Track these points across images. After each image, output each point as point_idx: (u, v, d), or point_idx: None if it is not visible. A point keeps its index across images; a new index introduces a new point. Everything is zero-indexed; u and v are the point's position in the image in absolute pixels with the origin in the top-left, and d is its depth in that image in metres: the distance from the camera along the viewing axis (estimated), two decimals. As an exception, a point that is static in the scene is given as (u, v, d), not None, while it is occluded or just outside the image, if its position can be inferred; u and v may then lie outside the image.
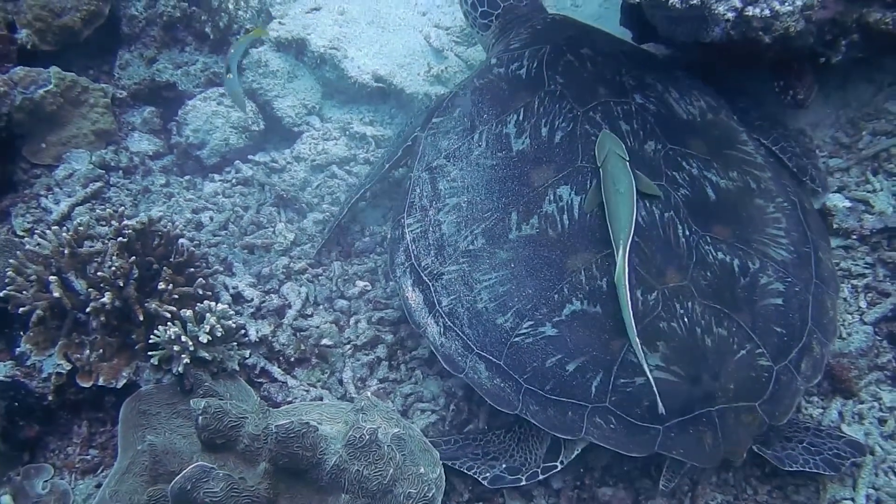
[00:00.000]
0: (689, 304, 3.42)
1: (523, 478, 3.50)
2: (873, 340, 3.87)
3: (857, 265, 4.10)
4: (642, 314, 3.36)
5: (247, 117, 4.78)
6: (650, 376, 3.23)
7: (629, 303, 3.27)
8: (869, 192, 4.24)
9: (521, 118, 3.92)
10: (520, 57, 4.19)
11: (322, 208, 4.69)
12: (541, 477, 3.49)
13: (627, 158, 3.59)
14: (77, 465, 3.82)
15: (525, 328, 3.48)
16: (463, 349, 3.61)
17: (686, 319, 3.39)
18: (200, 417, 3.22)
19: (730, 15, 3.04)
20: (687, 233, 3.57)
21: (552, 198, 3.67)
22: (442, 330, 3.68)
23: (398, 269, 3.93)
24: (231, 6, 5.06)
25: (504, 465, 3.53)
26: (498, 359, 3.51)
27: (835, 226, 4.15)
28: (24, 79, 4.58)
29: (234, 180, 4.82)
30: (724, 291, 3.47)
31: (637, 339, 3.24)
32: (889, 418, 3.71)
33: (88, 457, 3.84)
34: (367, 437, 3.13)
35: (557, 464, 3.49)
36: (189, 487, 2.97)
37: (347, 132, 5.13)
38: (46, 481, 3.73)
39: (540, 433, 3.52)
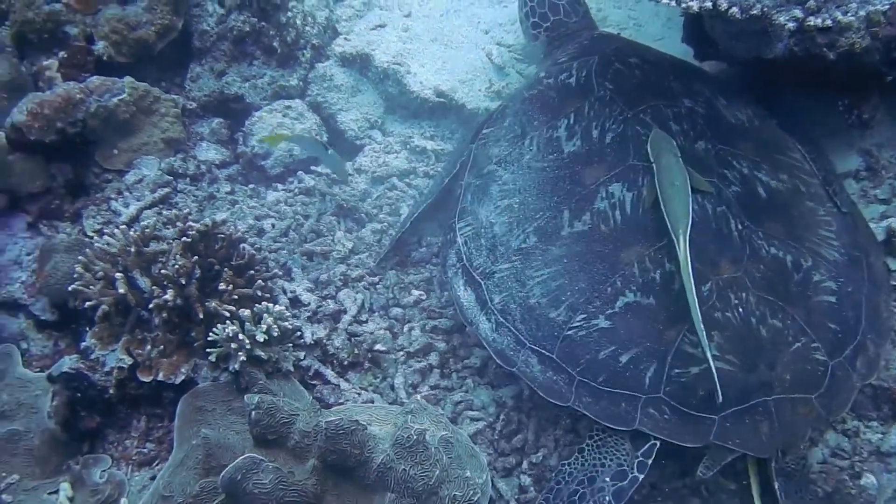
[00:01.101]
0: (744, 294, 3.43)
1: (639, 475, 3.42)
2: (940, 364, 3.78)
3: (921, 287, 4.01)
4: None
5: (342, 173, 4.84)
6: (712, 364, 3.18)
7: (695, 292, 3.25)
8: (934, 214, 4.16)
9: (571, 122, 3.99)
10: (568, 68, 4.26)
11: (380, 219, 4.76)
12: (649, 461, 3.41)
13: (679, 155, 3.61)
14: (134, 458, 3.92)
15: (578, 321, 3.51)
16: (515, 344, 3.65)
17: (741, 309, 3.40)
18: (253, 412, 3.28)
19: (791, 25, 3.03)
20: (739, 227, 3.59)
21: (604, 195, 3.71)
22: (494, 326, 3.72)
23: (450, 269, 4.01)
24: (299, 22, 5.19)
25: (608, 478, 3.46)
26: (551, 352, 3.54)
27: (898, 246, 4.08)
28: (99, 87, 4.76)
29: (296, 190, 4.91)
30: (777, 285, 3.48)
31: (703, 328, 3.20)
32: (952, 444, 3.62)
33: (145, 450, 3.94)
34: (415, 437, 3.16)
35: (653, 441, 3.41)
36: (239, 478, 3.03)
37: (408, 146, 5.20)
38: (104, 471, 3.83)
39: (616, 432, 3.48)
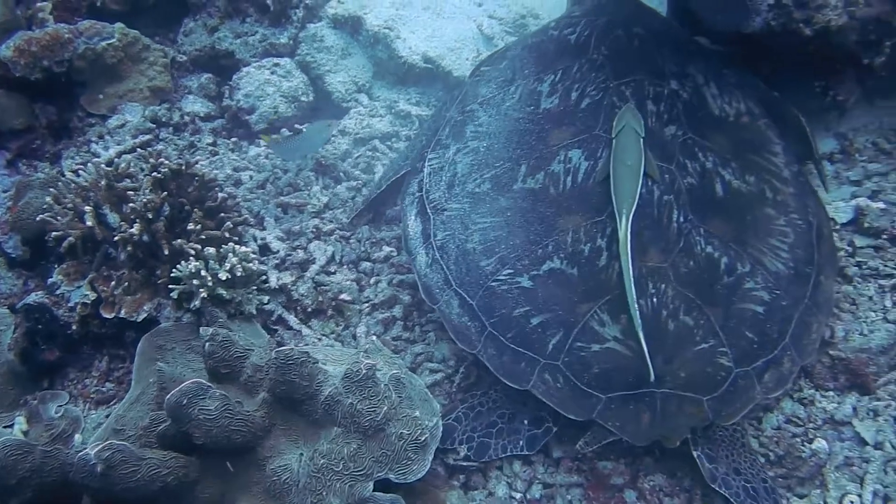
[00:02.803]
0: (662, 286, 3.40)
1: (553, 425, 3.50)
2: (895, 339, 3.76)
3: (886, 266, 4.00)
4: (615, 286, 3.36)
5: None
6: (644, 344, 3.21)
7: (631, 272, 3.27)
8: (906, 196, 4.17)
9: (556, 79, 3.99)
10: (575, 24, 4.25)
11: (356, 176, 4.78)
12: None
13: (643, 135, 3.60)
14: (92, 396, 3.95)
15: (504, 275, 3.53)
16: (443, 283, 3.68)
17: (654, 300, 3.37)
18: (207, 344, 3.27)
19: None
20: (681, 219, 3.54)
21: (562, 158, 3.71)
22: (430, 262, 3.75)
23: (407, 197, 4.03)
24: (293, -20, 5.24)
25: (526, 420, 3.53)
26: (472, 298, 3.57)
27: (865, 225, 4.08)
28: (88, 29, 4.80)
29: (279, 146, 4.93)
30: (702, 283, 3.43)
31: (636, 307, 3.23)
32: (905, 417, 3.61)
33: (104, 389, 3.97)
34: (365, 371, 3.15)
35: None
36: (185, 402, 2.99)
37: (393, 110, 5.23)
38: (60, 406, 3.83)
39: None
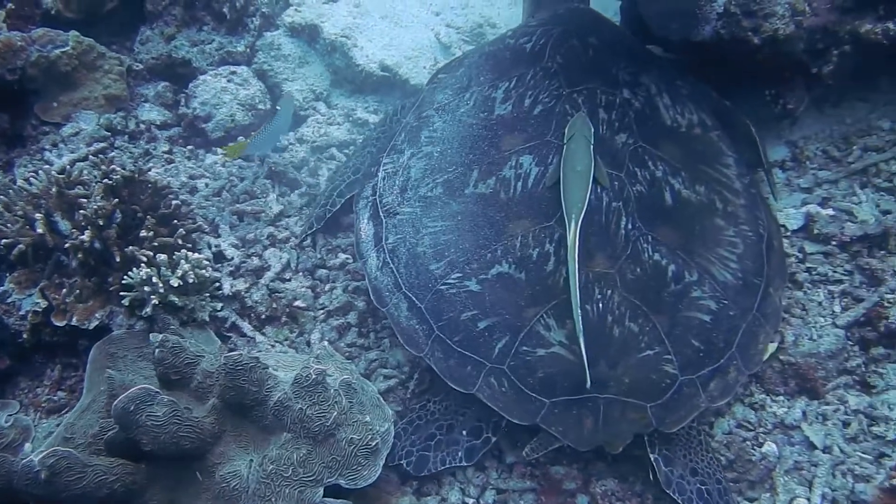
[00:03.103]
0: (609, 291, 3.43)
1: (491, 435, 3.51)
2: (844, 344, 3.81)
3: (835, 272, 4.06)
4: (561, 291, 3.39)
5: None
6: (584, 350, 3.22)
7: (577, 277, 3.29)
8: (854, 203, 4.23)
9: (511, 86, 4.04)
10: (531, 33, 4.30)
11: (310, 184, 4.78)
12: (503, 424, 3.48)
13: (593, 143, 3.64)
14: (43, 405, 3.89)
15: (452, 279, 3.55)
16: (393, 286, 3.71)
17: (600, 305, 3.40)
18: (157, 350, 3.25)
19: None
20: (629, 226, 3.58)
21: (513, 164, 3.75)
22: (381, 265, 3.78)
23: (361, 201, 4.07)
24: (249, -12, 5.24)
25: (465, 431, 3.53)
26: (420, 301, 3.59)
27: (815, 231, 4.14)
28: (42, 37, 4.77)
29: (235, 154, 4.92)
30: (649, 291, 3.46)
31: (580, 313, 3.25)
32: (853, 421, 3.65)
33: (56, 398, 3.92)
34: (314, 376, 3.14)
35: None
36: (132, 408, 2.96)
37: (351, 118, 5.24)
38: (10, 415, 3.78)
39: None
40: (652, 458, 3.41)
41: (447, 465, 3.48)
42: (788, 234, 4.22)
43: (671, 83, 4.18)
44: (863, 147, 4.43)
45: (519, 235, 3.56)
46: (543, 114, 3.89)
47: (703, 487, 3.41)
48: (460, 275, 3.55)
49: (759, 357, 3.58)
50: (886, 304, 3.84)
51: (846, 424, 3.67)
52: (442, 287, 3.55)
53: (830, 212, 4.20)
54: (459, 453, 3.48)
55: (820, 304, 4.01)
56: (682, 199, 3.72)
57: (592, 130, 3.70)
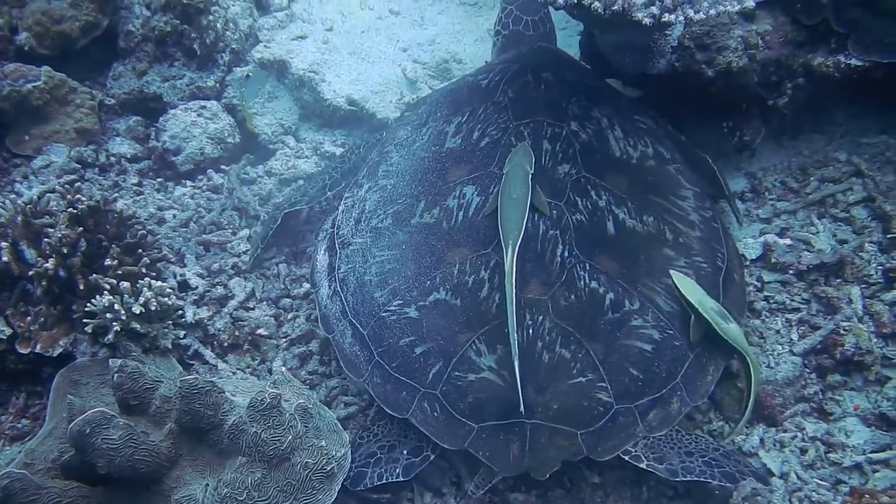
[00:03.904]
0: (540, 318, 3.47)
1: (430, 453, 3.52)
2: (801, 371, 3.87)
3: (793, 300, 4.14)
4: (494, 317, 3.45)
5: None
6: (518, 375, 3.27)
7: (513, 302, 3.34)
8: (812, 233, 4.30)
9: (462, 120, 4.14)
10: (490, 70, 4.41)
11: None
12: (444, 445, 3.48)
13: (531, 172, 3.70)
14: (7, 432, 3.91)
15: (394, 306, 3.64)
16: (340, 313, 3.79)
17: (530, 331, 3.44)
18: (116, 375, 3.27)
19: (647, 20, 3.17)
20: (566, 254, 3.63)
21: (457, 194, 3.85)
22: (331, 293, 3.87)
23: (321, 233, 4.18)
24: (219, 25, 5.32)
25: (406, 451, 3.55)
26: (364, 328, 3.67)
27: (773, 260, 4.21)
28: (14, 72, 4.86)
29: (204, 186, 4.99)
30: (583, 318, 3.49)
31: (516, 338, 3.30)
32: (810, 448, 3.70)
33: (20, 425, 3.93)
34: (269, 400, 3.16)
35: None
36: (88, 431, 2.98)
37: (318, 151, 5.31)
38: (-27, 444, 3.81)
39: None
40: (645, 466, 3.40)
41: (384, 481, 3.49)
42: (747, 263, 4.29)
43: (627, 117, 4.21)
44: (820, 178, 4.53)
45: (457, 263, 3.65)
46: (489, 145, 3.98)
47: (705, 458, 3.42)
48: (401, 302, 3.63)
49: (706, 389, 3.57)
50: (842, 332, 3.92)
51: (803, 451, 3.72)
52: (384, 314, 3.63)
53: (788, 241, 4.28)
54: (398, 469, 3.50)
55: (777, 332, 4.07)
56: (627, 229, 3.75)
57: (533, 160, 3.76)
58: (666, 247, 3.77)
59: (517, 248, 3.44)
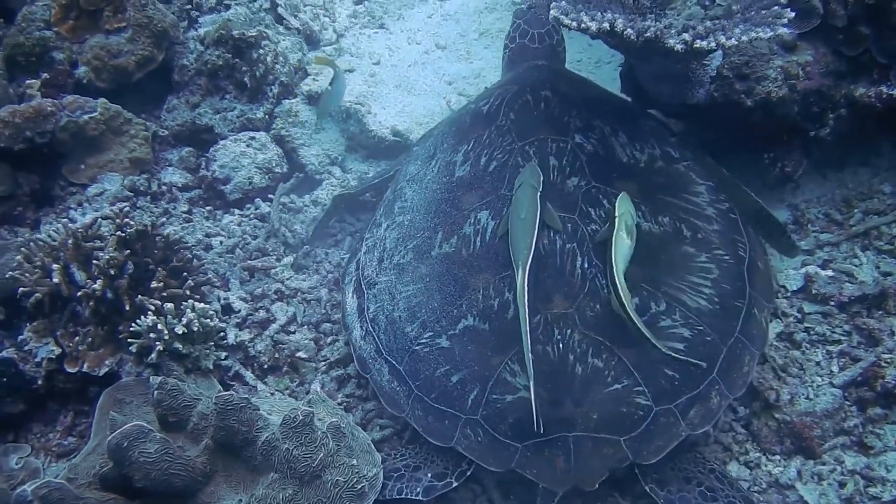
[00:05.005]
0: (568, 331, 3.51)
1: (453, 479, 3.56)
2: (841, 403, 3.81)
3: (834, 332, 4.08)
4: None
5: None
6: (533, 393, 3.30)
7: (527, 322, 3.37)
8: (855, 265, 4.26)
9: (469, 148, 4.18)
10: (490, 95, 4.44)
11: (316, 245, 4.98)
12: (468, 473, 3.56)
13: (540, 189, 3.72)
14: (53, 449, 4.03)
15: (425, 338, 3.69)
16: (375, 352, 3.86)
17: (560, 345, 3.48)
18: (156, 391, 3.37)
19: (679, 47, 3.20)
20: (585, 265, 3.66)
21: (472, 220, 3.89)
22: (363, 334, 3.95)
23: (347, 276, 4.27)
24: (269, 59, 5.46)
25: (430, 474, 3.60)
26: (399, 364, 3.73)
27: (814, 291, 4.17)
28: (72, 104, 5.05)
29: (251, 215, 5.10)
30: (611, 326, 3.50)
31: (531, 357, 3.33)
32: (849, 481, 3.63)
33: (66, 443, 4.06)
34: (301, 417, 3.22)
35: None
36: (125, 444, 3.08)
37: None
38: (21, 458, 3.92)
39: None
40: (648, 489, 3.44)
41: (402, 496, 3.53)
42: (788, 294, 4.26)
43: (634, 123, 4.24)
44: (864, 210, 4.49)
45: (481, 288, 3.70)
46: (498, 169, 4.02)
47: (700, 488, 3.45)
48: (431, 333, 3.69)
49: (744, 380, 3.59)
50: (884, 364, 3.85)
51: (842, 485, 3.65)
52: (417, 347, 3.70)
53: (829, 272, 4.23)
54: (418, 489, 3.54)
55: (818, 363, 4.01)
56: (643, 232, 3.76)
57: (541, 178, 3.79)
58: (685, 244, 3.80)
59: (528, 267, 3.47)
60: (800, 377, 3.96)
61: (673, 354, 3.39)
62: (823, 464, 3.72)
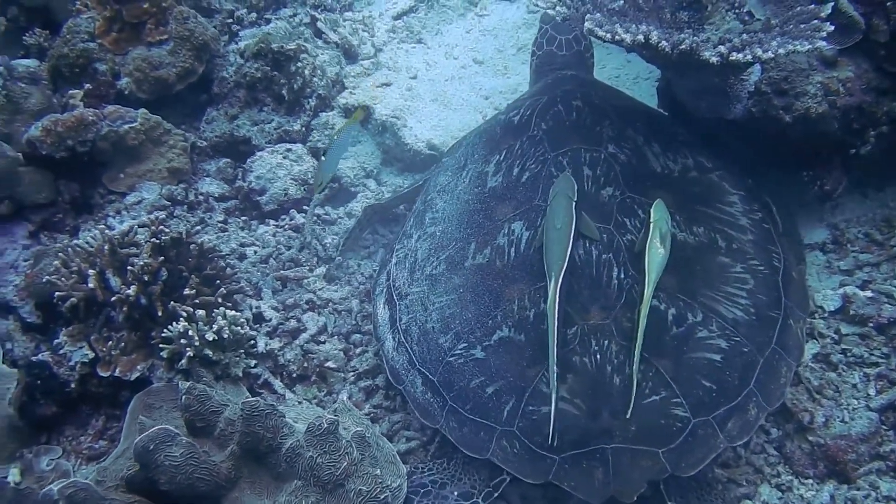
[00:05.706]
0: (606, 342, 3.47)
1: (480, 500, 3.53)
2: (877, 427, 3.72)
3: (871, 354, 3.99)
4: (558, 346, 3.40)
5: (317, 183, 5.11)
6: (553, 406, 3.28)
7: (555, 333, 3.34)
8: (895, 286, 4.17)
9: (501, 158, 4.17)
10: (520, 106, 4.44)
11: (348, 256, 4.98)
12: (495, 494, 3.53)
13: (575, 199, 3.69)
14: (85, 452, 4.08)
15: (459, 349, 3.67)
16: (408, 364, 3.84)
17: (598, 356, 3.44)
18: (184, 397, 3.39)
19: (715, 59, 3.17)
20: (622, 276, 3.63)
21: (506, 231, 3.87)
22: (396, 345, 3.92)
23: (377, 287, 4.25)
24: (307, 72, 5.52)
25: (456, 493, 3.58)
26: (433, 375, 3.70)
27: (852, 312, 4.08)
28: (112, 114, 5.14)
29: (286, 226, 5.13)
30: (649, 336, 3.44)
31: (556, 369, 3.30)
32: (883, 507, 3.55)
33: (97, 446, 4.10)
34: (326, 425, 3.22)
35: (505, 476, 3.51)
36: (151, 447, 3.10)
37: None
38: (52, 460, 3.96)
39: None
40: None
41: None
42: (825, 315, 4.17)
43: (666, 132, 4.23)
44: (906, 230, 4.39)
45: (516, 299, 3.67)
46: (531, 179, 4.01)
47: None
48: (466, 344, 3.66)
49: (781, 391, 3.55)
50: (923, 389, 3.76)
51: (876, 511, 3.56)
52: (451, 358, 3.67)
53: (869, 294, 4.14)
54: None
55: (854, 386, 3.93)
56: (678, 243, 3.72)
57: (575, 188, 3.76)
58: (720, 255, 3.77)
59: (560, 278, 3.44)
60: (835, 399, 3.88)
61: (633, 390, 3.33)
62: (858, 489, 3.64)
